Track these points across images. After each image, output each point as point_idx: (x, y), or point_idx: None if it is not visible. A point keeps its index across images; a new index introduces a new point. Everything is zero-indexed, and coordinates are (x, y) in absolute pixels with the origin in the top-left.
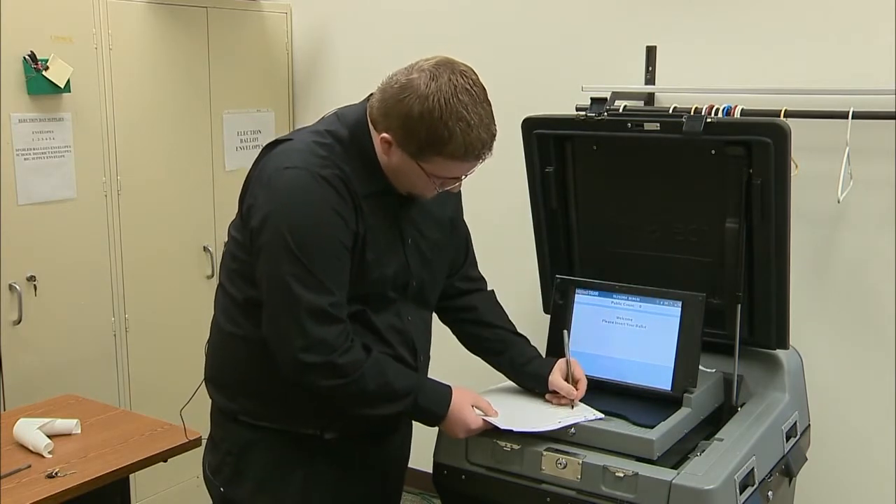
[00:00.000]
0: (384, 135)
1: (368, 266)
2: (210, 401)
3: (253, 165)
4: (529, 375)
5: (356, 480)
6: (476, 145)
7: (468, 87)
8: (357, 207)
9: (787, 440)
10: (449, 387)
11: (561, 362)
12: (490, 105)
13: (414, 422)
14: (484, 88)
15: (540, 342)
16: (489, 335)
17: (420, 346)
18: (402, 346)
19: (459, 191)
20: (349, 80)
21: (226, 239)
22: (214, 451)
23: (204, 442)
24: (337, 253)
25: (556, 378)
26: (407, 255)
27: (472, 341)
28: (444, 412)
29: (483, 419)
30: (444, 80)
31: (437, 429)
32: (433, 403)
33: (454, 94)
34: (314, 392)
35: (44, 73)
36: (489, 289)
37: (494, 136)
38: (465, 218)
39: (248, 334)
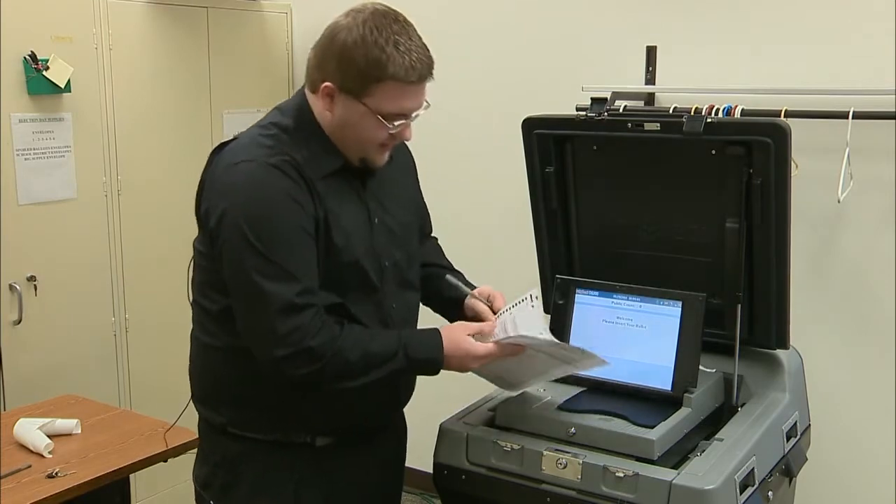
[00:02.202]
0: (325, 84)
1: (338, 249)
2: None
3: (203, 172)
4: (450, 300)
5: (350, 487)
6: (417, 64)
7: (395, 17)
8: (313, 191)
9: (788, 440)
10: (436, 329)
11: (483, 289)
12: (421, 38)
13: (408, 421)
14: (411, 24)
15: None
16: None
17: None
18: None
19: (416, 175)
20: None
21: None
22: (203, 465)
23: None
24: (298, 239)
25: (472, 301)
26: (375, 234)
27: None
28: (441, 355)
29: (487, 343)
30: (368, 13)
31: (436, 429)
32: (426, 351)
33: (383, 22)
34: (300, 383)
35: (44, 73)
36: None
37: (433, 60)
38: (465, 219)
39: (227, 344)
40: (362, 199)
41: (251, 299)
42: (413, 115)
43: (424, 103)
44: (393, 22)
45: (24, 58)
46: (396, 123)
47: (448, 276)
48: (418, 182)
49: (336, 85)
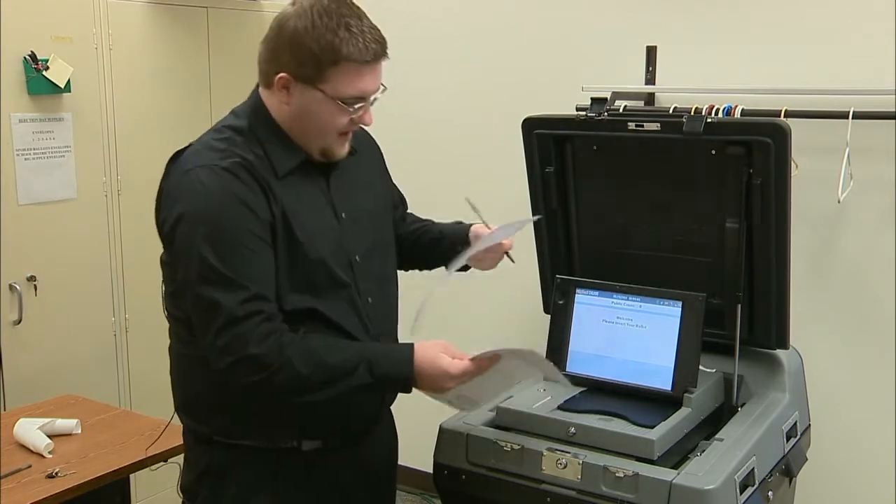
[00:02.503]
0: (279, 76)
1: (303, 248)
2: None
3: (161, 181)
4: (454, 237)
5: (339, 491)
6: (371, 44)
7: (342, 1)
8: (267, 192)
9: (788, 440)
10: (410, 345)
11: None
12: (370, 20)
13: (408, 421)
14: (359, 7)
15: (540, 342)
16: (413, 230)
17: (384, 329)
18: (363, 333)
19: (384, 164)
20: None
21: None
22: (189, 474)
23: None
24: (248, 244)
25: (477, 228)
26: (343, 229)
27: (407, 250)
28: (410, 371)
29: (463, 361)
30: None
31: (436, 429)
32: (393, 367)
33: (331, 6)
34: (259, 393)
35: (44, 73)
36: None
37: (385, 40)
38: (465, 218)
39: (202, 353)
40: (326, 194)
41: (198, 307)
42: (372, 98)
43: (381, 86)
44: (341, 5)
45: (24, 58)
46: (356, 107)
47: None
48: (387, 171)
49: (291, 74)
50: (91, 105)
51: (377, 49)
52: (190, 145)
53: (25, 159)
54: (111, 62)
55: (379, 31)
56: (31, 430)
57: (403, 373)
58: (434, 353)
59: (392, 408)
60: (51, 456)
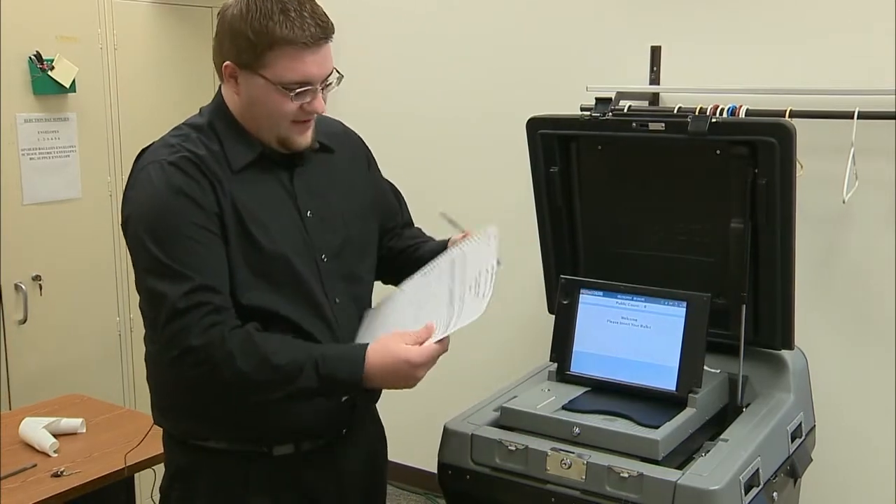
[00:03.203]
0: (225, 65)
1: (258, 242)
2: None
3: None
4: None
5: (313, 500)
6: (309, 27)
7: None
8: (216, 185)
9: (793, 441)
10: (365, 344)
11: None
12: (314, 4)
13: (413, 420)
14: None
15: (544, 342)
16: (405, 247)
17: (351, 330)
18: (326, 333)
19: (371, 163)
20: (353, 79)
21: None
22: (165, 475)
23: None
24: (190, 234)
25: (455, 239)
26: (307, 227)
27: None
28: (360, 371)
29: (425, 346)
30: None
31: (440, 429)
32: (342, 366)
33: None
34: (202, 387)
35: (49, 73)
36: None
37: (329, 22)
38: (469, 219)
39: None
40: (289, 190)
41: (146, 301)
42: (320, 84)
43: (334, 73)
44: None
45: (30, 58)
46: (297, 92)
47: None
48: (377, 171)
49: (234, 62)
50: (96, 105)
51: (316, 32)
52: (150, 144)
53: (31, 159)
54: (116, 62)
55: (323, 15)
56: (36, 430)
57: (354, 373)
58: (387, 343)
59: (394, 407)
60: (56, 455)
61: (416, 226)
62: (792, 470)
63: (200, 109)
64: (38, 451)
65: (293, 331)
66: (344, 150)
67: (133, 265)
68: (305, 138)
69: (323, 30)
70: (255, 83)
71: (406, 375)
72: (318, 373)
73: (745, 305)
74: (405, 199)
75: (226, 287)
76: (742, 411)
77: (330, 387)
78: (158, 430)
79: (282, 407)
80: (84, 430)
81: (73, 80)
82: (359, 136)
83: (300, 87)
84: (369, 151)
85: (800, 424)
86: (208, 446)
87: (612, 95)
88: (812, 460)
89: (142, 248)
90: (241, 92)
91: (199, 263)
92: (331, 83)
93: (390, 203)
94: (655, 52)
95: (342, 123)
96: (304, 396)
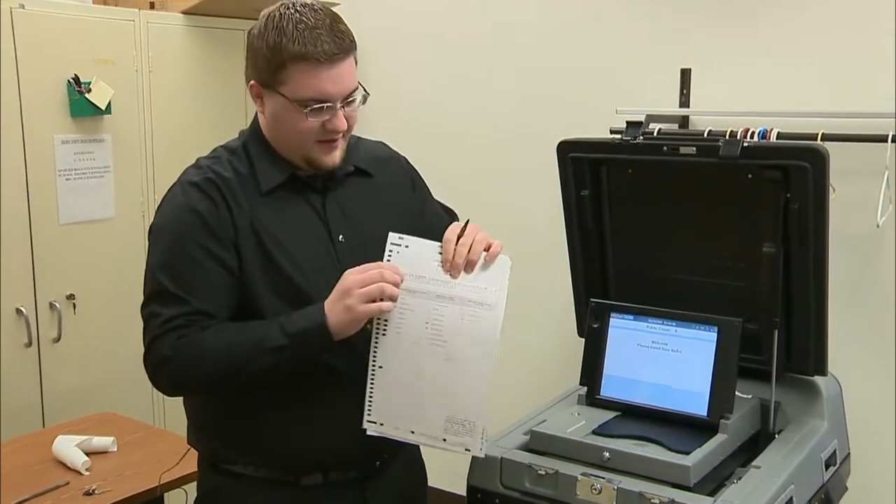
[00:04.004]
0: (250, 85)
1: (280, 267)
2: None
3: None
4: None
5: None
6: (322, 42)
7: (303, 4)
8: (233, 208)
9: (827, 469)
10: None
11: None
12: (337, 22)
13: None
14: (328, 10)
15: (574, 365)
16: None
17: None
18: (356, 363)
19: (416, 186)
20: (382, 100)
21: None
22: (196, 497)
23: None
24: (195, 255)
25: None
26: (338, 252)
27: None
28: (321, 314)
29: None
30: (275, 7)
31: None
32: (303, 318)
33: (286, 12)
34: (170, 392)
35: (86, 95)
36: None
37: (346, 38)
38: (500, 239)
39: None
40: (320, 214)
41: (143, 318)
42: (341, 102)
43: (360, 90)
44: (298, 9)
45: (68, 81)
46: (312, 108)
47: None
48: (425, 192)
49: (256, 81)
50: (130, 126)
51: (331, 48)
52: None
53: (67, 179)
54: (150, 84)
55: (342, 31)
56: (68, 447)
57: (315, 316)
58: (341, 284)
59: None
60: (88, 473)
61: None
62: (826, 499)
63: (240, 132)
64: (70, 468)
65: (316, 363)
66: (385, 175)
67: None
68: (332, 158)
69: (339, 45)
70: (276, 101)
71: (338, 287)
72: (285, 330)
73: (777, 330)
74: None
75: (223, 311)
76: (774, 438)
77: (300, 340)
78: (194, 452)
79: (307, 432)
80: (115, 449)
81: (109, 102)
82: (404, 159)
83: (316, 104)
84: (416, 173)
85: (834, 452)
86: (235, 471)
87: (642, 118)
88: (847, 489)
89: (149, 264)
90: (266, 111)
91: (195, 288)
92: (354, 100)
93: (442, 224)
94: (685, 75)
95: (387, 147)
96: (283, 360)
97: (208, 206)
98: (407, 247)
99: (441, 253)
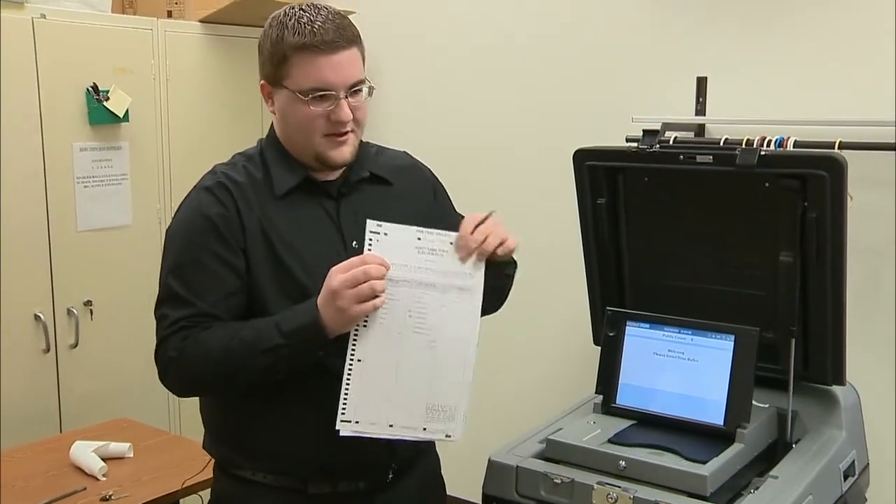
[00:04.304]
0: (261, 83)
1: (291, 271)
2: None
3: None
4: None
5: None
6: (321, 32)
7: (307, 3)
8: (243, 212)
9: (845, 479)
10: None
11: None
12: (340, 17)
13: (457, 450)
14: (333, 9)
15: (590, 374)
16: None
17: None
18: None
19: (437, 194)
20: (400, 111)
21: None
22: (209, 501)
23: None
24: (205, 260)
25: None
26: (351, 256)
27: None
28: (314, 310)
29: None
30: (283, 7)
31: (485, 460)
32: (297, 316)
33: (290, 10)
34: (178, 392)
35: (105, 103)
36: None
37: (345, 27)
38: (518, 247)
39: None
40: (334, 219)
41: (156, 319)
42: (344, 92)
43: (366, 82)
44: (302, 8)
45: (87, 89)
46: (313, 97)
47: None
48: (446, 202)
49: (265, 80)
50: (147, 134)
51: (327, 37)
52: None
53: (85, 187)
54: (168, 92)
55: (343, 25)
56: (86, 453)
57: (310, 316)
58: (328, 283)
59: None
60: (104, 479)
61: None
62: None
63: (258, 140)
64: (87, 474)
65: (322, 368)
66: (405, 183)
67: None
68: (341, 153)
69: (339, 34)
70: (282, 96)
71: (326, 288)
72: (280, 329)
73: (794, 339)
74: None
75: (231, 314)
76: (792, 448)
77: (296, 339)
78: (204, 456)
79: (313, 439)
80: (132, 455)
81: (127, 110)
82: (427, 168)
83: (318, 93)
84: (438, 183)
85: (853, 462)
86: (245, 476)
87: (658, 126)
88: (867, 500)
89: (162, 267)
90: (276, 109)
91: (204, 291)
92: (359, 91)
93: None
94: (701, 83)
95: (410, 156)
96: (281, 359)
97: (219, 211)
98: (386, 234)
99: (420, 239)
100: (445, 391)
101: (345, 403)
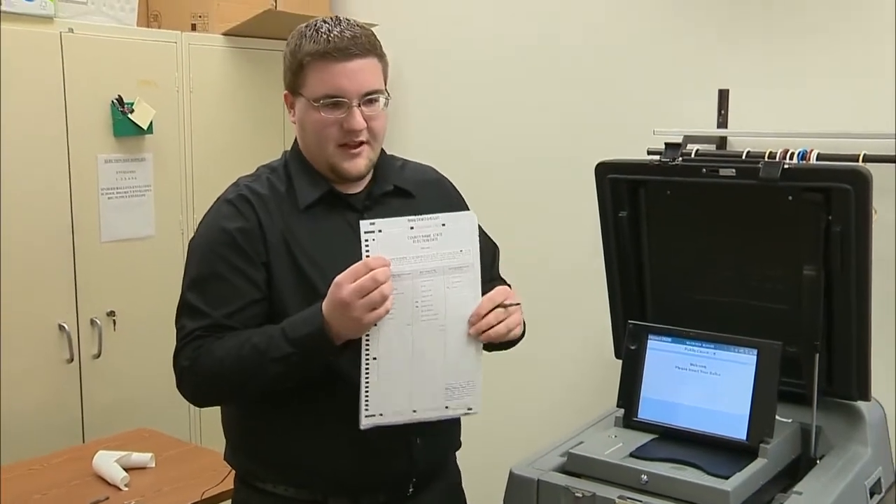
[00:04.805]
0: (284, 93)
1: (313, 283)
2: None
3: None
4: None
5: None
6: (337, 40)
7: (331, 17)
8: (265, 225)
9: (871, 497)
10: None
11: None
12: (359, 28)
13: (476, 462)
14: (355, 21)
15: (611, 387)
16: None
17: None
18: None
19: (463, 204)
20: (422, 124)
21: None
22: None
23: None
24: (222, 272)
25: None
26: None
27: None
28: (319, 317)
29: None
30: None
31: (506, 474)
32: (305, 324)
33: (314, 21)
34: (203, 402)
35: (129, 115)
36: None
37: (362, 35)
38: (537, 262)
39: None
40: (356, 232)
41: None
42: (357, 100)
43: (384, 92)
44: (324, 20)
45: (112, 101)
46: (326, 103)
47: None
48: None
49: (287, 89)
50: (171, 145)
51: (341, 44)
52: None
53: (109, 198)
54: (191, 104)
55: (362, 34)
56: (108, 463)
57: (315, 324)
58: (335, 291)
59: (460, 451)
60: (126, 489)
61: (503, 280)
62: None
63: (283, 153)
64: (109, 484)
65: (341, 381)
66: (429, 197)
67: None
68: (355, 165)
69: (355, 43)
70: (300, 105)
71: (335, 299)
72: (287, 337)
73: (818, 354)
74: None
75: (246, 325)
76: (816, 464)
77: (302, 347)
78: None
79: (331, 452)
80: (153, 465)
81: (151, 122)
82: (451, 184)
83: (330, 100)
84: (462, 198)
85: (878, 479)
86: (265, 489)
87: (680, 139)
88: None
89: (183, 284)
90: (296, 119)
91: (220, 303)
92: (374, 101)
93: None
94: (723, 95)
95: (436, 171)
96: (291, 367)
97: (239, 225)
98: (380, 230)
99: (413, 228)
100: (461, 368)
101: (366, 400)
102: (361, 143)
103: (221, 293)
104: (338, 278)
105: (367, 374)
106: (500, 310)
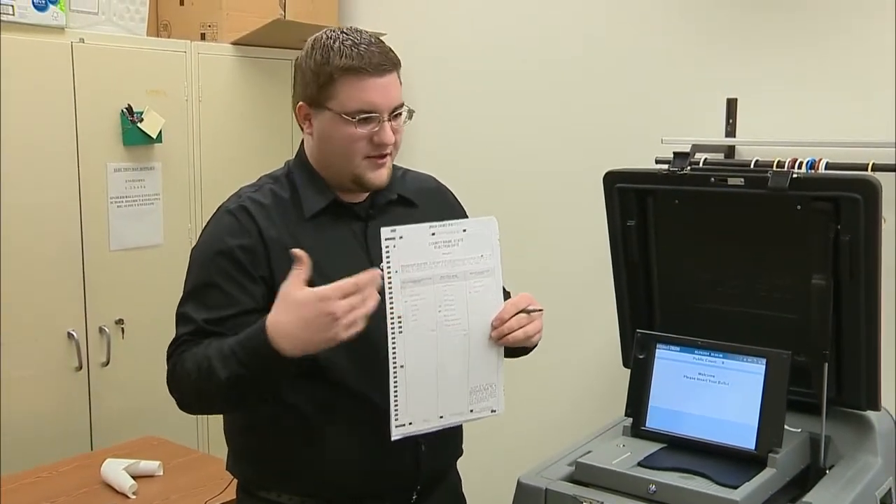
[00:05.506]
0: (298, 106)
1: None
2: None
3: None
4: None
5: None
6: (367, 54)
7: (346, 28)
8: (265, 234)
9: None
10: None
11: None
12: (381, 41)
13: (483, 471)
14: (369, 33)
15: (619, 396)
16: None
17: None
18: (379, 383)
19: (463, 214)
20: (428, 133)
21: None
22: None
23: None
24: (217, 282)
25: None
26: None
27: None
28: (262, 332)
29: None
30: (322, 31)
31: (515, 482)
32: (250, 335)
33: (330, 33)
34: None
35: (139, 124)
36: None
37: (389, 51)
38: (545, 271)
39: None
40: (360, 241)
41: None
42: (387, 115)
43: (405, 107)
44: (344, 31)
45: (122, 111)
46: (360, 119)
47: None
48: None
49: (304, 101)
50: (179, 154)
51: (374, 59)
52: None
53: (118, 207)
54: (200, 113)
55: (386, 48)
56: (116, 471)
57: (259, 338)
58: (285, 296)
59: (467, 459)
60: (135, 497)
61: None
62: None
63: (285, 162)
64: (117, 492)
65: (345, 389)
66: (430, 206)
67: None
68: (380, 175)
69: (385, 58)
70: (324, 118)
71: (312, 317)
72: (237, 347)
73: (827, 363)
74: None
75: (237, 332)
76: (825, 473)
77: (250, 359)
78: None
79: (335, 460)
80: (161, 473)
81: (160, 132)
82: (451, 193)
83: (364, 115)
84: (462, 209)
85: (889, 490)
86: (269, 498)
87: (688, 148)
88: None
89: (182, 293)
90: (314, 132)
91: (213, 312)
92: (400, 115)
93: None
94: (731, 105)
95: (436, 180)
96: (248, 386)
97: (239, 240)
98: (401, 237)
99: (434, 234)
100: (484, 371)
101: (396, 409)
102: (387, 154)
103: (213, 301)
104: (326, 292)
105: (395, 382)
106: (522, 315)
